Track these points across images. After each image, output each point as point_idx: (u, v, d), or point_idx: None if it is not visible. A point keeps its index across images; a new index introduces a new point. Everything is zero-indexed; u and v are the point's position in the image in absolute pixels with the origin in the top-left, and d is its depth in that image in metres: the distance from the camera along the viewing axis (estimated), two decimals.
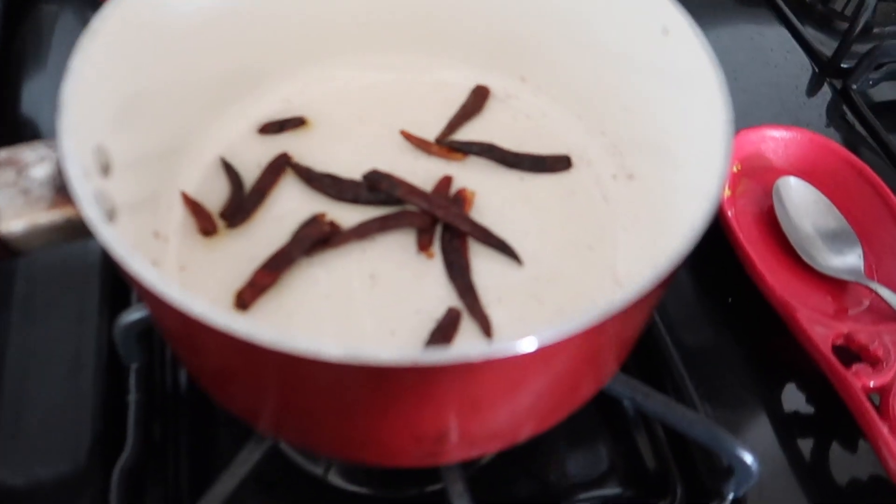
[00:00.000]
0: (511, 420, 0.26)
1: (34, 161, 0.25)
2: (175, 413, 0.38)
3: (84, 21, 0.54)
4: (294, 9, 0.38)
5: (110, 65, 0.28)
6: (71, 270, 0.39)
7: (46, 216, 0.25)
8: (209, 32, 0.35)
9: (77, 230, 0.26)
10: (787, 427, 0.40)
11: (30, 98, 0.49)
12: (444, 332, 0.32)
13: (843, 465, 0.39)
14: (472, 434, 0.26)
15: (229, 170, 0.37)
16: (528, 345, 0.20)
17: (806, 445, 0.40)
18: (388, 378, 0.21)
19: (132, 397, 0.36)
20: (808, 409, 0.40)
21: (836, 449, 0.40)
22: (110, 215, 0.27)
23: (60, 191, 0.25)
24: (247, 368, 0.23)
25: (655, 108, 0.35)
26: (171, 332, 0.26)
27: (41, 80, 0.49)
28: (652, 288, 0.22)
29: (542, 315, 0.34)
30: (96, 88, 0.27)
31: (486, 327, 0.33)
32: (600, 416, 0.40)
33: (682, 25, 0.31)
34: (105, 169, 0.28)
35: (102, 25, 0.28)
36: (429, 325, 0.33)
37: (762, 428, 0.39)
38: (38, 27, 0.52)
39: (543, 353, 0.21)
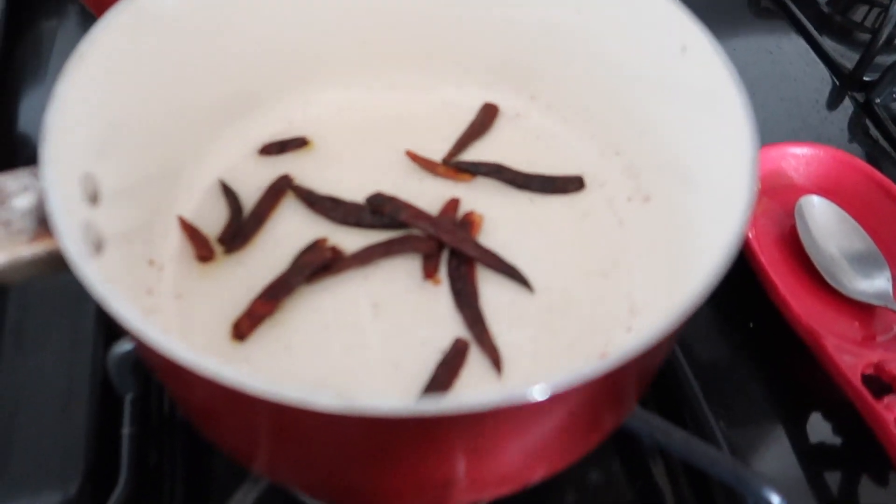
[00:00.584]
0: (521, 464, 0.24)
1: (17, 191, 0.24)
2: (171, 443, 0.37)
3: (83, 33, 0.53)
4: (295, 28, 0.37)
5: (99, 89, 0.27)
6: (64, 298, 0.38)
7: (28, 249, 0.23)
8: (206, 53, 0.34)
9: (62, 263, 0.24)
10: (813, 460, 0.38)
11: (29, 115, 0.48)
12: (450, 365, 0.31)
13: (874, 500, 0.37)
14: (479, 480, 0.24)
15: (228, 193, 0.36)
16: (539, 393, 0.19)
17: (833, 479, 0.37)
18: (386, 428, 0.19)
19: (126, 430, 0.34)
20: (834, 440, 0.38)
21: (865, 483, 0.37)
22: (98, 246, 0.26)
23: (44, 222, 0.24)
24: (237, 415, 0.22)
25: (673, 128, 0.33)
26: (159, 372, 0.25)
27: (40, 96, 0.48)
28: (671, 330, 0.21)
29: (555, 346, 0.32)
30: (84, 115, 0.26)
31: (495, 360, 0.31)
32: (616, 450, 0.38)
33: (702, 43, 0.30)
34: (93, 198, 0.26)
35: (90, 49, 0.26)
36: (435, 356, 0.31)
37: (787, 461, 0.37)
38: (37, 43, 0.51)
39: (555, 401, 0.19)
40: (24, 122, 0.48)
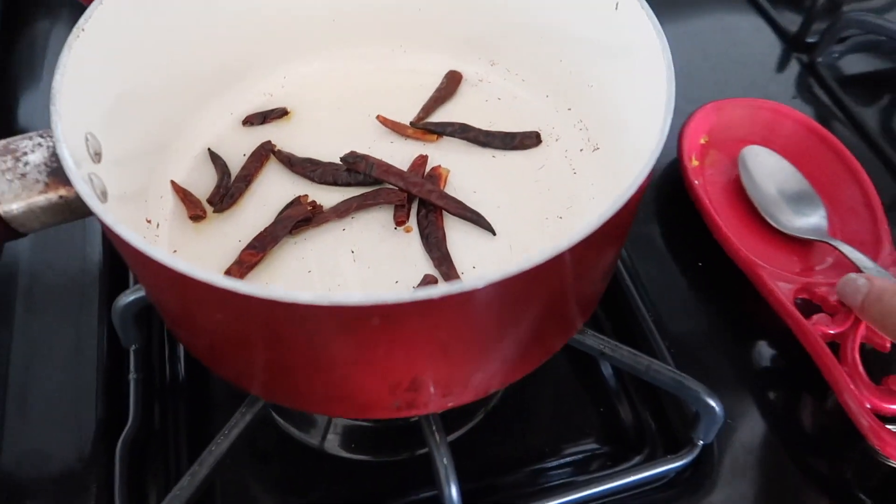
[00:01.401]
0: (480, 366, 0.28)
1: (30, 148, 0.28)
2: (173, 393, 0.40)
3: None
4: (273, 8, 0.41)
5: (97, 61, 0.31)
6: (70, 262, 0.42)
7: (43, 198, 0.27)
8: (192, 32, 0.38)
9: (72, 209, 0.28)
10: (757, 381, 0.41)
11: (26, 112, 0.51)
12: None
13: (814, 414, 0.41)
14: (443, 381, 0.28)
15: (216, 159, 0.39)
16: (481, 280, 0.22)
17: (778, 397, 0.41)
18: (356, 320, 0.23)
19: (132, 376, 0.38)
20: (778, 364, 0.42)
21: (806, 399, 0.41)
22: (104, 196, 0.29)
23: (54, 174, 0.27)
24: (234, 326, 0.25)
25: (612, 82, 0.37)
26: (161, 300, 0.28)
27: (36, 95, 0.52)
28: (602, 224, 0.24)
29: None
30: (85, 82, 0.30)
31: None
32: (579, 380, 0.42)
33: (632, 1, 0.33)
34: (97, 156, 0.30)
35: (88, 25, 0.30)
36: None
37: (734, 382, 0.41)
38: (32, 44, 0.54)
39: (498, 290, 0.23)
40: (22, 120, 0.51)
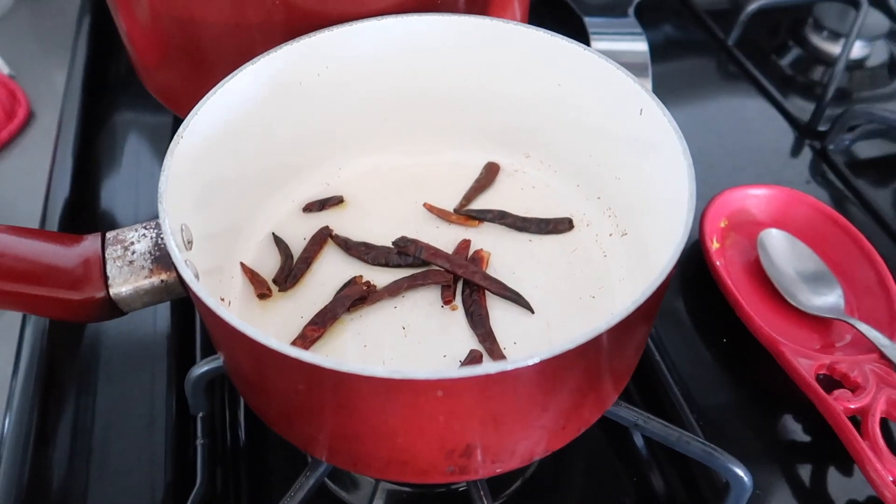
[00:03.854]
0: (526, 436, 0.31)
1: (136, 238, 0.32)
2: (235, 458, 0.43)
3: (151, 128, 0.62)
4: (332, 112, 0.46)
5: (190, 162, 0.36)
6: (143, 336, 0.46)
7: (147, 282, 0.31)
8: (264, 134, 0.43)
9: (168, 291, 0.32)
10: (784, 453, 0.43)
11: (108, 195, 0.57)
12: None
13: (840, 485, 0.43)
14: (493, 448, 0.31)
15: (279, 243, 0.44)
16: (531, 359, 0.26)
17: (804, 469, 0.43)
18: (423, 393, 0.26)
19: (200, 441, 0.41)
20: (803, 437, 0.44)
21: (832, 470, 0.43)
22: (197, 278, 0.33)
23: (157, 261, 0.31)
24: (307, 394, 0.29)
25: (637, 173, 0.41)
26: (241, 369, 0.32)
27: (116, 178, 0.57)
28: (636, 309, 0.28)
29: None
30: (181, 181, 0.34)
31: None
32: (612, 449, 0.44)
33: (653, 106, 0.38)
34: (189, 244, 0.34)
35: (186, 132, 0.35)
36: (455, 366, 0.38)
37: (761, 454, 0.43)
38: (112, 133, 0.60)
39: (545, 367, 0.26)
40: (104, 204, 0.56)
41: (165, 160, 0.33)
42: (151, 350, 0.46)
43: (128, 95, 0.63)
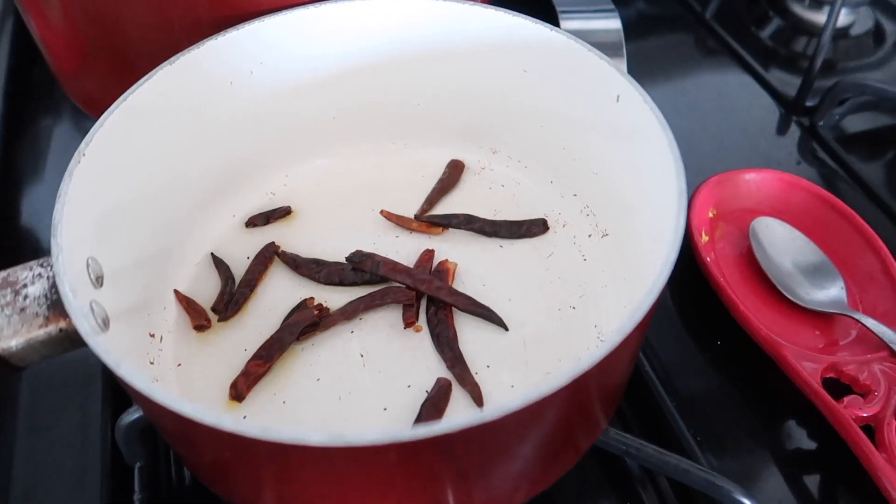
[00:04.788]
0: (502, 485, 0.27)
1: (29, 280, 0.27)
2: None
3: (78, 130, 0.57)
4: (272, 111, 0.41)
5: (98, 183, 0.30)
6: (73, 378, 0.40)
7: (43, 332, 0.26)
8: (192, 140, 0.38)
9: (73, 341, 0.27)
10: (791, 466, 0.40)
11: (31, 209, 0.51)
12: (435, 404, 0.33)
13: (854, 499, 0.39)
14: (466, 501, 0.26)
15: (219, 264, 0.39)
16: (498, 411, 0.21)
17: (812, 482, 0.39)
18: (373, 457, 0.22)
19: (137, 496, 0.36)
20: (810, 445, 0.40)
21: (844, 483, 0.39)
22: (105, 323, 0.28)
23: (54, 306, 0.26)
24: (240, 461, 0.24)
25: (617, 167, 0.37)
26: (166, 431, 0.27)
27: (41, 190, 0.52)
28: (624, 339, 0.23)
29: (531, 378, 0.35)
30: (85, 207, 0.29)
31: (476, 395, 0.34)
32: (605, 475, 0.40)
33: (633, 92, 0.33)
34: (98, 279, 0.29)
35: (89, 149, 0.30)
36: (421, 397, 0.34)
37: (766, 469, 0.39)
38: (35, 141, 0.55)
39: (516, 417, 0.22)
40: (26, 216, 0.51)
41: (62, 184, 0.28)
42: (82, 394, 0.40)
43: (53, 100, 0.57)
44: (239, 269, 0.39)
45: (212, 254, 0.39)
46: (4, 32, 0.62)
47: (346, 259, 0.39)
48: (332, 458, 0.22)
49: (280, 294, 0.38)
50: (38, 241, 0.49)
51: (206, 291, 0.38)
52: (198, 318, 0.36)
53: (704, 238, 0.47)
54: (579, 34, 0.39)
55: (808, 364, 0.39)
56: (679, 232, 0.27)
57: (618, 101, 0.34)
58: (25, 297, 0.26)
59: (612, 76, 0.34)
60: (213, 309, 0.37)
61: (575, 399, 0.24)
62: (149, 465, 0.38)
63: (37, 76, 0.59)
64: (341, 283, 0.38)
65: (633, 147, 0.34)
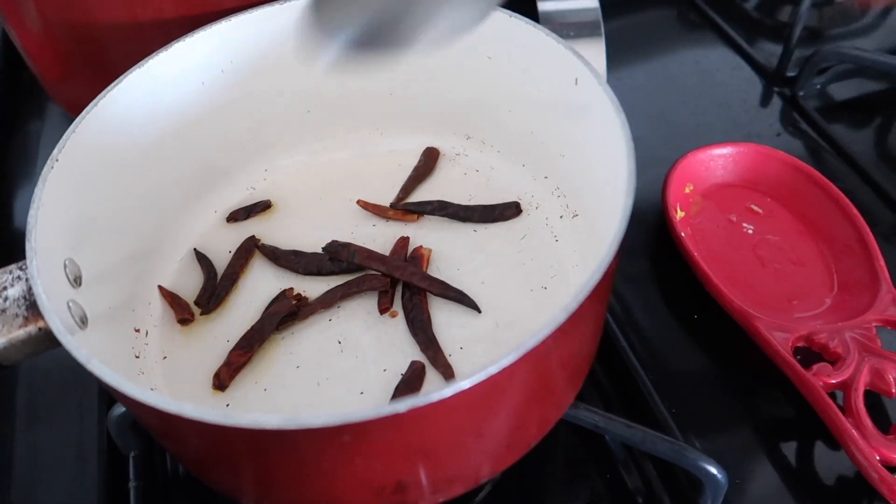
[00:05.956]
0: (466, 462, 0.28)
1: (9, 282, 0.28)
2: (177, 492, 0.40)
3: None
4: (246, 107, 0.42)
5: (73, 186, 0.32)
6: (68, 372, 0.42)
7: (23, 331, 0.28)
8: (169, 141, 0.39)
9: (52, 340, 0.28)
10: (765, 436, 0.40)
11: (22, 211, 0.53)
12: (409, 384, 0.34)
13: (829, 466, 0.40)
14: (430, 479, 0.27)
15: (202, 259, 0.40)
16: (447, 391, 0.22)
17: (789, 450, 0.40)
18: (331, 438, 0.23)
19: (132, 484, 0.38)
20: (785, 413, 0.41)
21: (818, 449, 0.40)
22: (83, 321, 0.30)
23: (33, 307, 0.28)
24: (213, 449, 0.26)
25: (580, 148, 0.37)
26: (143, 422, 0.28)
27: (31, 194, 0.53)
28: (575, 311, 0.24)
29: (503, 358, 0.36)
30: (61, 210, 0.30)
31: (448, 376, 0.35)
32: (583, 448, 0.41)
33: (588, 75, 0.34)
34: (77, 280, 0.31)
35: (62, 153, 0.31)
36: (396, 381, 0.35)
37: (741, 441, 0.40)
38: (25, 144, 0.56)
39: (470, 394, 0.23)
40: (18, 218, 0.52)
41: (36, 189, 0.29)
42: (78, 386, 0.42)
43: (43, 103, 0.58)
44: (221, 264, 0.40)
45: (194, 249, 0.41)
46: None
47: (323, 249, 0.40)
48: (292, 441, 0.23)
49: (261, 286, 0.39)
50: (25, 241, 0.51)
51: (190, 286, 0.39)
52: (181, 311, 0.38)
53: (680, 214, 0.47)
54: (557, 14, 0.40)
55: (779, 334, 0.40)
56: (629, 198, 0.28)
57: (576, 83, 0.35)
58: (6, 298, 0.28)
59: (570, 59, 0.35)
60: (196, 303, 0.38)
61: (531, 372, 0.25)
62: (143, 454, 0.39)
63: (26, 79, 0.60)
64: (319, 273, 0.39)
65: (592, 128, 0.35)
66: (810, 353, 0.40)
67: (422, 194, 0.43)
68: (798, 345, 0.40)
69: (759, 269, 0.45)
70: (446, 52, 0.41)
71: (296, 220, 0.43)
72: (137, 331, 0.37)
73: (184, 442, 0.27)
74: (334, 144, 0.45)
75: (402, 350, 0.36)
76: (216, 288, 0.39)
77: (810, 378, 0.37)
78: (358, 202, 0.42)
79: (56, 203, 0.30)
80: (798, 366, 0.38)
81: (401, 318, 0.38)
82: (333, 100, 0.44)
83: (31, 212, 0.29)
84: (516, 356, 0.23)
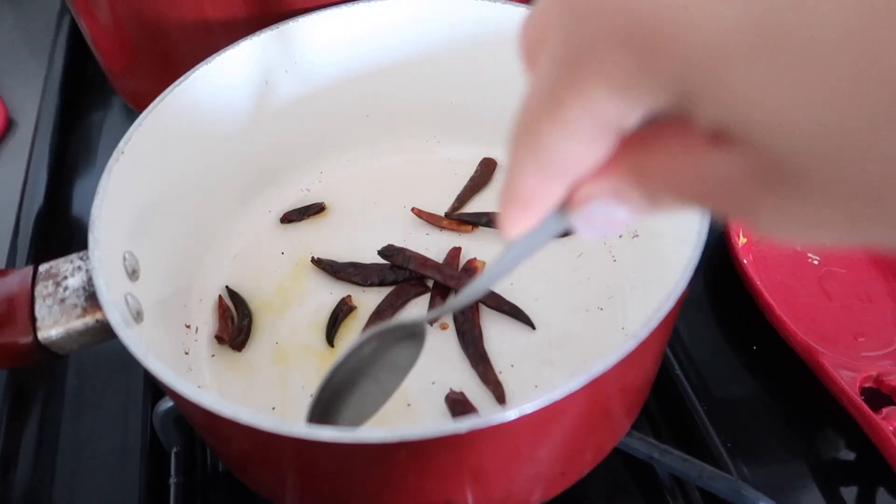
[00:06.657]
0: (518, 486, 0.27)
1: (70, 272, 0.28)
2: (215, 490, 0.40)
3: (128, 124, 0.59)
4: (308, 109, 0.41)
5: (137, 180, 0.32)
6: (116, 365, 0.42)
7: (80, 322, 0.27)
8: (228, 141, 0.39)
9: (108, 332, 0.28)
10: (825, 477, 0.38)
11: (81, 200, 0.53)
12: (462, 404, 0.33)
13: None
14: (480, 500, 0.27)
15: (235, 297, 0.38)
16: (510, 413, 0.21)
17: (849, 494, 0.38)
18: (381, 453, 0.22)
19: (173, 480, 0.38)
20: (846, 456, 0.39)
21: (882, 497, 0.38)
22: (139, 315, 0.30)
23: (92, 298, 0.28)
24: (260, 453, 0.25)
25: None
26: (192, 420, 0.28)
27: (91, 183, 0.54)
28: (642, 341, 0.23)
29: (555, 378, 0.35)
30: (124, 202, 0.30)
31: (499, 394, 0.34)
32: (635, 483, 0.40)
33: None
34: (134, 273, 0.31)
35: (128, 146, 0.31)
36: (444, 394, 0.34)
37: (799, 480, 0.38)
38: (87, 134, 0.57)
39: (531, 419, 0.22)
40: (77, 207, 0.53)
41: (102, 179, 0.29)
42: (125, 378, 0.42)
43: (105, 95, 0.59)
44: (272, 265, 0.40)
45: (226, 287, 0.39)
46: (61, 31, 0.65)
47: (378, 252, 0.39)
48: (347, 454, 0.23)
49: (315, 298, 0.39)
50: (88, 232, 0.52)
51: (243, 286, 0.39)
52: (223, 330, 0.37)
53: (742, 240, 0.46)
54: None
55: (845, 373, 0.38)
56: (702, 234, 0.27)
57: None
58: (66, 288, 0.28)
59: None
60: (223, 339, 0.37)
61: (594, 399, 0.24)
62: (185, 450, 0.39)
63: (90, 72, 0.62)
64: (382, 284, 0.39)
65: None
66: (879, 395, 0.38)
67: (477, 205, 0.43)
68: (866, 385, 0.38)
69: (824, 302, 0.43)
70: (510, 58, 0.40)
71: (349, 224, 0.42)
72: (188, 327, 0.37)
73: (232, 443, 0.27)
74: (391, 150, 0.45)
75: (452, 363, 0.35)
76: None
77: (880, 422, 0.35)
78: (412, 210, 0.42)
79: (118, 195, 0.30)
80: (866, 407, 0.36)
81: (451, 330, 0.37)
82: (393, 106, 0.43)
83: (96, 202, 0.29)
84: (582, 382, 0.22)
